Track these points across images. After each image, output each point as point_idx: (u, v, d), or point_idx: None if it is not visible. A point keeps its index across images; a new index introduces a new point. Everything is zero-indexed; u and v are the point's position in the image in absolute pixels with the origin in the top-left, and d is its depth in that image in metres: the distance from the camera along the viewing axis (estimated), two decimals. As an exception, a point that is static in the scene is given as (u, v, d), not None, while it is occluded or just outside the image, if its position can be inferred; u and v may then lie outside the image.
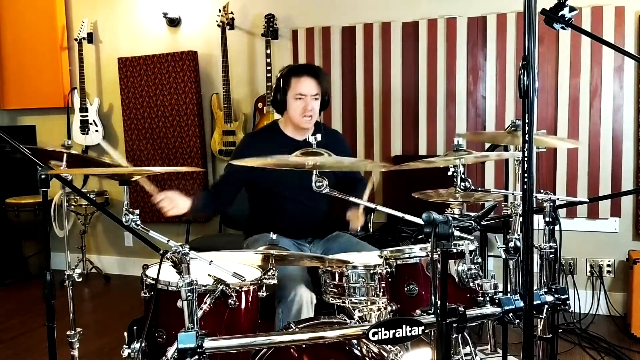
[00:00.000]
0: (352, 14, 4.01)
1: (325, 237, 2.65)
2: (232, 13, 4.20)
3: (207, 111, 4.45)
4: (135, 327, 1.68)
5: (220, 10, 4.15)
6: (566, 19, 1.57)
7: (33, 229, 4.61)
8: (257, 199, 2.70)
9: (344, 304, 1.88)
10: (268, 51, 4.02)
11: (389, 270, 1.77)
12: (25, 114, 5.04)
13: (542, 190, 1.90)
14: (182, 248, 1.42)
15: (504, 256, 1.90)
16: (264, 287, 1.79)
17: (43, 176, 1.92)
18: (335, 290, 1.90)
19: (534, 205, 1.19)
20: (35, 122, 4.99)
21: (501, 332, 2.57)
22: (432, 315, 1.27)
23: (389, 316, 1.77)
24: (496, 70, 3.71)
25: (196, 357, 1.27)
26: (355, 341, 1.69)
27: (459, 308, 1.30)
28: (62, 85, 4.76)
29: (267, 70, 4.02)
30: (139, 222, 1.51)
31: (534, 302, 1.55)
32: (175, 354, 1.30)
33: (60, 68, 4.76)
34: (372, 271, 1.83)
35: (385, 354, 1.67)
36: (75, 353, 2.16)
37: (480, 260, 1.73)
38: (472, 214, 1.79)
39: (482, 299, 1.58)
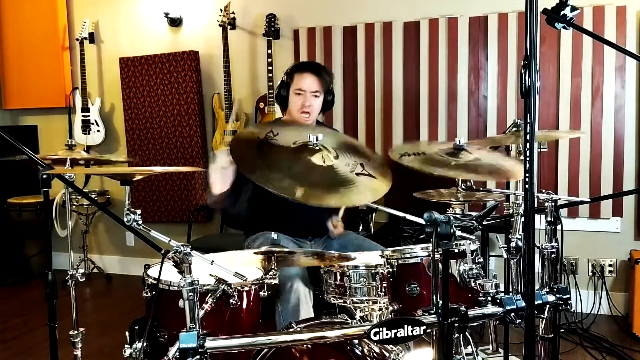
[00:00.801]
0: (353, 13, 4.01)
1: (326, 235, 2.66)
2: (233, 13, 4.20)
3: (208, 111, 4.45)
4: (136, 327, 1.68)
5: (221, 10, 4.15)
6: (568, 18, 1.57)
7: (35, 228, 4.62)
8: (258, 198, 2.70)
9: (345, 304, 1.88)
10: (269, 51, 4.02)
11: (390, 270, 1.77)
12: (27, 114, 5.05)
13: (543, 190, 1.90)
14: (184, 248, 1.42)
15: (505, 256, 1.91)
16: (265, 287, 1.79)
17: (45, 176, 1.93)
18: (336, 290, 1.90)
19: (536, 205, 1.19)
20: (37, 122, 5.00)
21: (503, 332, 2.57)
22: (434, 315, 1.27)
23: (390, 316, 1.77)
24: (498, 69, 3.71)
25: (198, 356, 1.27)
26: (356, 341, 1.69)
27: (461, 308, 1.30)
28: (64, 85, 4.77)
29: (269, 70, 4.01)
30: (140, 222, 1.50)
31: (536, 302, 1.54)
32: (177, 353, 1.30)
33: (61, 68, 4.77)
34: (373, 271, 1.83)
35: (387, 354, 1.67)
36: (78, 353, 2.16)
37: (481, 260, 1.73)
38: (474, 213, 1.79)
39: (483, 298, 1.58)
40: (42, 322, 2.09)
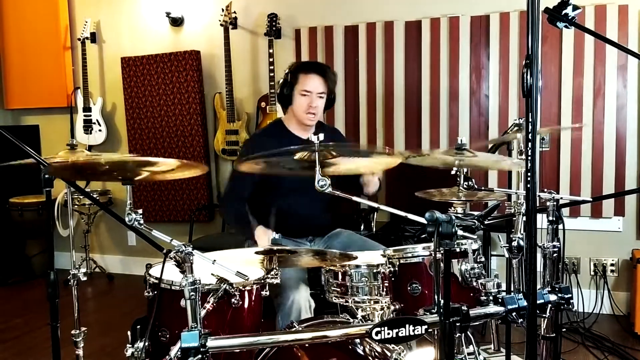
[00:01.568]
0: (355, 13, 4.01)
1: (326, 235, 2.65)
2: (234, 12, 4.20)
3: (210, 110, 4.45)
4: (138, 326, 1.69)
5: (223, 10, 4.15)
6: (569, 17, 1.57)
7: (37, 228, 4.62)
8: (258, 198, 2.69)
9: (347, 303, 1.88)
10: (271, 50, 4.02)
11: (392, 269, 1.77)
12: (29, 114, 5.05)
13: (545, 189, 1.90)
14: (185, 247, 1.42)
15: (507, 255, 1.90)
16: (267, 287, 1.79)
17: (47, 176, 1.93)
18: (338, 289, 1.90)
19: (538, 205, 1.19)
20: (39, 121, 5.01)
21: (504, 331, 2.56)
22: (435, 315, 1.27)
23: (392, 315, 1.77)
24: (499, 69, 3.70)
25: (199, 356, 1.27)
26: (358, 340, 1.69)
27: (462, 307, 1.29)
28: (65, 85, 4.77)
29: (270, 70, 4.02)
30: (142, 222, 1.50)
31: (538, 302, 1.54)
32: (179, 353, 1.30)
33: (63, 68, 4.77)
34: (375, 270, 1.83)
35: (389, 353, 1.67)
36: (80, 352, 2.17)
37: (483, 259, 1.72)
38: (476, 213, 1.79)
39: (485, 298, 1.58)
40: (44, 322, 2.09)
